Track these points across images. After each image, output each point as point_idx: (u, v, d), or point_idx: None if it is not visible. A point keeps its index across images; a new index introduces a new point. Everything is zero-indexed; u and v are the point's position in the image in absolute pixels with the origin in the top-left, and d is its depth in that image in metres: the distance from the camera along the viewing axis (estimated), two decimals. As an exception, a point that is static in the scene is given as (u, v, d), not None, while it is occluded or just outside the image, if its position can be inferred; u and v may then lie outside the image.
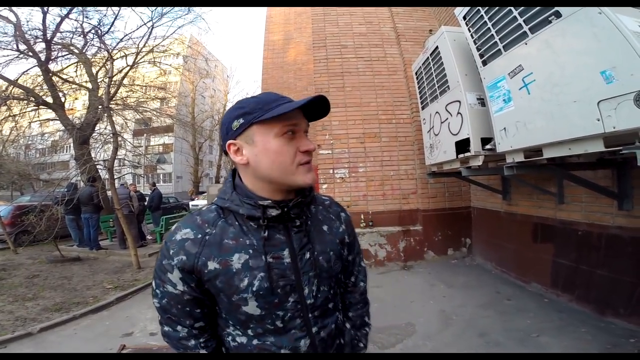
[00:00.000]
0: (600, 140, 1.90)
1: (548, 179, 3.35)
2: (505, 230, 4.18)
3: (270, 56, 7.41)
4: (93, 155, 8.22)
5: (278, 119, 0.71)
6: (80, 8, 8.03)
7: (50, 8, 7.85)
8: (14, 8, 7.71)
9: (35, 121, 9.67)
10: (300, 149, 0.74)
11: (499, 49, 2.52)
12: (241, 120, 0.73)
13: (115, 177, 6.26)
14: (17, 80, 8.43)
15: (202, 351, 0.81)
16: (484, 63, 2.72)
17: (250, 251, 0.75)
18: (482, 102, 3.04)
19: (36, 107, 8.88)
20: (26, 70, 8.65)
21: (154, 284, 0.80)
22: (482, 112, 3.02)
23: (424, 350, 2.65)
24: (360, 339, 1.00)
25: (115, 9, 8.46)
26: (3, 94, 8.37)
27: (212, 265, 0.73)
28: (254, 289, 0.73)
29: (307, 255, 0.80)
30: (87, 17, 8.53)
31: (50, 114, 9.27)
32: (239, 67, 79.03)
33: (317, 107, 0.77)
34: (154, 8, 8.67)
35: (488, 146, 3.02)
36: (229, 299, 0.75)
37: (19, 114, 9.06)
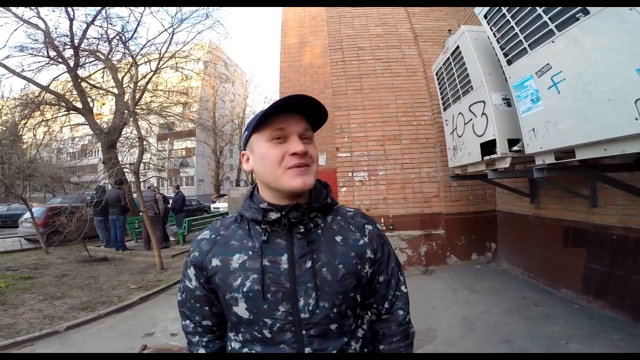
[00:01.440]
0: (638, 140, 1.78)
1: (580, 181, 3.19)
2: (533, 235, 4.01)
3: (286, 60, 7.48)
4: (120, 158, 8.54)
5: (267, 125, 0.73)
6: (104, 14, 8.39)
7: (76, 15, 8.26)
8: (42, 15, 8.19)
9: (66, 126, 10.18)
10: (289, 151, 0.72)
11: (524, 48, 2.43)
12: (246, 133, 0.78)
13: (140, 180, 6.49)
14: (48, 86, 8.90)
15: (201, 349, 0.83)
16: (509, 62, 2.63)
17: (250, 253, 0.76)
18: (508, 102, 2.94)
19: (67, 112, 9.34)
20: (57, 77, 9.14)
21: (181, 278, 0.87)
22: (508, 112, 2.91)
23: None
24: None
25: (138, 14, 8.80)
26: (36, 100, 8.86)
27: (215, 262, 0.77)
28: (245, 289, 0.73)
29: (308, 264, 0.75)
30: (111, 24, 8.91)
31: (80, 118, 9.73)
32: (258, 71, 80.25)
33: (317, 110, 0.76)
34: (173, 13, 8.98)
35: (516, 148, 2.91)
36: (224, 296, 0.76)
37: (51, 118, 9.55)
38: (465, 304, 3.55)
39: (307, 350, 0.73)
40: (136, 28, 9.12)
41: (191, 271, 0.81)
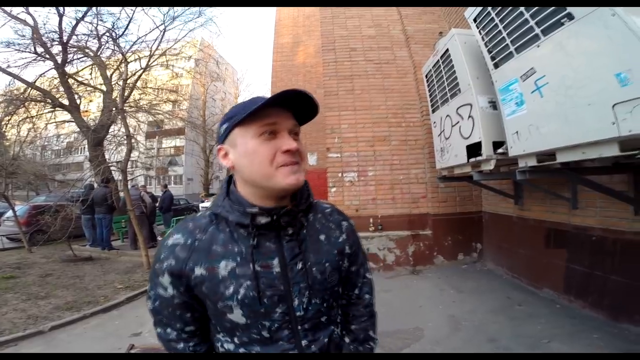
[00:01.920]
0: (615, 144, 1.85)
1: (562, 184, 3.28)
2: (517, 236, 4.11)
3: (279, 59, 7.47)
4: (107, 156, 8.38)
5: (254, 119, 0.68)
6: (94, 11, 8.23)
7: (66, 11, 8.08)
8: (31, 10, 7.96)
9: (52, 123, 9.93)
10: (281, 149, 0.69)
11: (511, 52, 2.49)
12: (225, 125, 0.72)
13: (128, 178, 6.38)
14: (34, 82, 8.69)
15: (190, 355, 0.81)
16: (496, 66, 2.69)
17: (238, 259, 0.73)
18: (493, 105, 3.00)
19: (53, 109, 9.13)
20: (43, 73, 8.90)
21: (148, 286, 0.81)
22: (494, 115, 2.98)
23: (433, 356, 2.63)
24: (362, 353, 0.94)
25: (130, 11, 8.66)
26: (21, 96, 8.64)
27: (198, 271, 0.72)
28: (239, 297, 0.71)
29: (299, 266, 0.76)
30: (101, 20, 8.71)
31: (66, 115, 9.50)
32: (249, 70, 79.81)
33: (305, 106, 0.73)
34: (165, 11, 8.86)
35: (500, 150, 2.97)
36: (215, 305, 0.73)
37: (36, 115, 9.31)
38: (451, 303, 3.61)
39: (304, 342, 0.77)
40: (127, 25, 8.89)
41: (165, 279, 0.74)
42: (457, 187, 5.15)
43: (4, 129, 9.34)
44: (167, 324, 0.80)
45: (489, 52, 2.73)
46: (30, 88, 8.65)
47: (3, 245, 8.23)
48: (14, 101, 8.46)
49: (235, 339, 0.77)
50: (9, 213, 8.34)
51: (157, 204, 8.63)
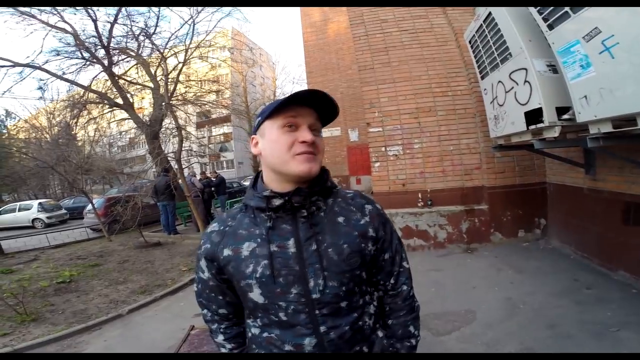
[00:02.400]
0: None
1: (644, 150, 2.79)
2: (589, 210, 3.63)
3: (310, 39, 7.22)
4: (163, 148, 9.06)
5: (279, 113, 0.77)
6: (124, 12, 8.65)
7: (98, 15, 8.61)
8: (66, 19, 8.62)
9: (113, 121, 10.94)
10: (299, 139, 0.76)
11: (566, 12, 2.14)
12: (259, 119, 0.83)
13: (184, 166, 6.85)
14: (90, 85, 9.56)
15: (220, 336, 0.90)
16: (550, 27, 2.34)
17: (259, 240, 0.79)
18: (553, 68, 2.61)
19: (110, 109, 10.01)
20: (95, 76, 9.74)
21: (195, 270, 0.92)
22: (555, 79, 2.59)
23: (483, 340, 2.49)
24: (399, 351, 0.90)
25: (156, 9, 8.96)
26: (82, 100, 9.58)
27: (226, 252, 0.81)
28: (257, 275, 0.77)
29: (314, 246, 0.79)
30: (133, 21, 9.18)
31: (124, 114, 10.37)
32: (283, 52, 79.06)
33: (329, 107, 0.80)
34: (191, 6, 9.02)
35: (565, 116, 2.61)
36: (239, 284, 0.80)
37: (98, 116, 10.31)
38: (509, 284, 3.38)
39: (322, 328, 0.78)
40: (157, 22, 9.27)
41: (203, 263, 0.85)
42: (515, 156, 4.67)
43: (74, 131, 10.52)
44: (205, 305, 0.91)
45: (540, 13, 2.38)
46: (87, 91, 9.53)
47: (88, 235, 9.43)
48: (76, 105, 9.41)
49: (258, 321, 0.82)
50: (90, 206, 9.49)
51: (213, 189, 9.20)
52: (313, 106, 0.79)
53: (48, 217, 14.37)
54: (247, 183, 19.31)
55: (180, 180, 7.20)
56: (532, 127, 2.94)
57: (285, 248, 0.78)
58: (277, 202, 0.78)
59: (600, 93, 2.05)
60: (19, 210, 14.81)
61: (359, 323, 0.82)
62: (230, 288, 0.86)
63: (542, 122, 2.77)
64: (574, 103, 2.38)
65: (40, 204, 14.82)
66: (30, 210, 14.56)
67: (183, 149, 7.09)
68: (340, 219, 0.84)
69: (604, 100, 2.05)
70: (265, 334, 0.81)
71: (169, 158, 8.24)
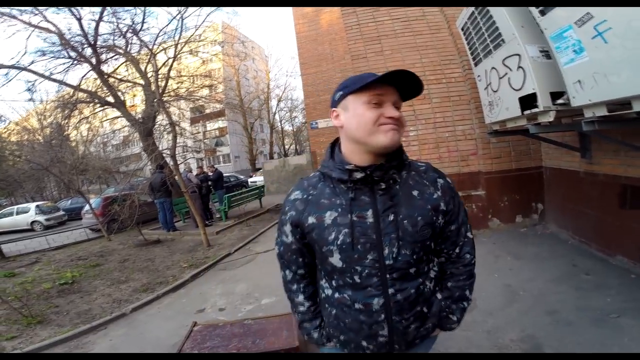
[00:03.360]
0: None
1: (638, 134, 2.77)
2: (586, 194, 3.63)
3: (302, 30, 7.09)
4: (158, 144, 8.96)
5: (366, 90, 0.82)
6: (110, 10, 8.45)
7: (83, 14, 8.41)
8: (50, 18, 8.40)
9: (105, 120, 10.82)
10: (385, 114, 0.82)
11: None
12: (341, 93, 0.88)
13: (180, 162, 6.79)
14: (79, 85, 9.39)
15: (301, 295, 1.01)
16: (542, 13, 2.31)
17: (340, 210, 0.87)
18: (546, 54, 2.57)
19: (102, 108, 9.87)
20: (84, 75, 9.57)
21: (276, 234, 1.02)
22: (548, 64, 2.56)
23: (484, 327, 2.51)
24: (454, 311, 0.99)
25: (141, 6, 8.76)
26: (71, 99, 9.43)
27: (311, 219, 0.89)
28: (339, 242, 0.85)
29: (391, 217, 0.86)
30: (119, 18, 8.98)
31: (116, 112, 10.23)
32: (276, 45, 77.67)
33: (409, 84, 0.85)
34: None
35: (560, 100, 2.59)
36: (321, 249, 0.89)
37: (90, 115, 10.17)
38: (508, 271, 3.40)
39: (390, 290, 0.87)
40: (143, 19, 9.10)
41: (287, 228, 0.95)
42: (511, 141, 4.66)
43: (66, 132, 10.39)
44: (286, 266, 1.02)
45: None
46: (76, 91, 9.36)
47: (87, 236, 9.39)
48: (67, 105, 9.26)
49: (333, 282, 0.92)
50: (87, 207, 9.43)
51: (209, 184, 9.14)
52: (395, 84, 0.84)
53: (46, 219, 14.35)
54: (243, 177, 19.35)
55: (176, 177, 7.17)
56: (527, 112, 2.92)
57: (365, 218, 0.86)
58: (358, 175, 0.85)
59: (594, 77, 2.03)
60: (17, 213, 14.78)
61: (422, 287, 0.91)
62: (310, 252, 0.96)
63: (536, 107, 2.74)
64: (568, 88, 2.36)
65: (37, 206, 14.78)
66: (28, 213, 14.52)
67: (178, 144, 7.01)
68: (415, 192, 0.91)
69: (598, 85, 2.03)
70: (337, 294, 0.92)
71: (164, 154, 8.16)
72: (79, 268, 5.84)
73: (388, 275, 0.86)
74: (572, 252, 3.61)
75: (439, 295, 0.98)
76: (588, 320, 2.39)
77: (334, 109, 0.91)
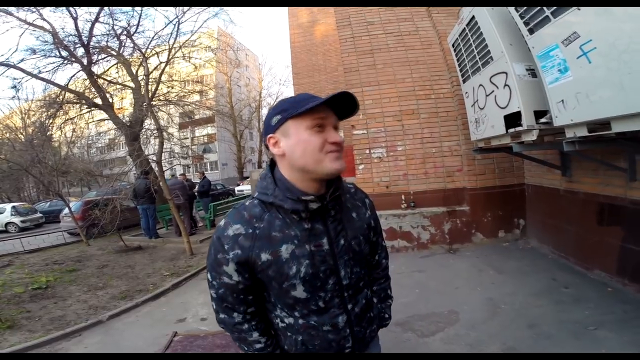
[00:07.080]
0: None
1: (617, 153, 2.90)
2: (565, 211, 3.76)
3: (297, 40, 7.21)
4: (144, 149, 8.79)
5: (308, 114, 0.79)
6: (107, 11, 8.39)
7: (79, 13, 8.32)
8: (45, 16, 8.28)
9: (91, 122, 10.57)
10: (329, 140, 0.80)
11: (547, 16, 2.20)
12: (279, 117, 0.82)
13: (165, 168, 6.65)
14: (67, 85, 9.18)
15: (255, 333, 0.93)
16: (531, 31, 2.39)
17: (296, 242, 0.84)
18: (532, 72, 2.68)
19: (89, 109, 9.65)
20: (73, 75, 9.38)
21: (209, 276, 0.91)
22: (534, 83, 2.66)
23: (467, 341, 2.53)
24: (385, 310, 1.12)
25: (139, 8, 8.75)
26: (58, 99, 9.20)
27: (264, 256, 0.83)
28: (301, 275, 0.84)
29: (342, 242, 0.89)
30: (115, 20, 8.89)
31: (103, 114, 10.03)
32: (270, 54, 78.56)
33: (345, 104, 0.83)
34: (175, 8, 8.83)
35: (543, 120, 2.68)
36: (280, 285, 0.85)
37: (76, 116, 9.93)
38: (490, 285, 3.45)
39: (349, 306, 0.92)
40: (139, 21, 9.01)
41: (231, 268, 0.84)
42: (495, 158, 4.78)
43: (50, 132, 10.09)
44: (232, 309, 0.91)
45: (522, 17, 2.42)
46: (64, 91, 9.16)
47: (65, 240, 9.04)
48: (52, 105, 9.03)
49: (296, 313, 0.90)
50: (67, 210, 9.12)
51: (195, 191, 8.98)
52: (332, 106, 0.83)
53: (22, 221, 13.82)
54: (231, 186, 19.14)
55: (161, 183, 7.04)
56: (511, 130, 3.00)
57: (321, 246, 0.86)
58: (315, 206, 0.83)
59: (576, 97, 2.12)
60: (-9, 214, 14.16)
61: (368, 295, 1.00)
62: (259, 286, 0.91)
63: (520, 125, 2.82)
64: (551, 107, 2.44)
65: (13, 207, 14.24)
66: (3, 214, 13.96)
67: (164, 150, 6.90)
68: (354, 215, 0.96)
69: (580, 105, 2.12)
70: (301, 321, 0.90)
71: (149, 160, 8.01)
72: (54, 273, 5.59)
73: (346, 294, 0.91)
74: (552, 267, 3.70)
75: (375, 299, 1.07)
76: (567, 333, 2.44)
77: (270, 135, 0.84)
